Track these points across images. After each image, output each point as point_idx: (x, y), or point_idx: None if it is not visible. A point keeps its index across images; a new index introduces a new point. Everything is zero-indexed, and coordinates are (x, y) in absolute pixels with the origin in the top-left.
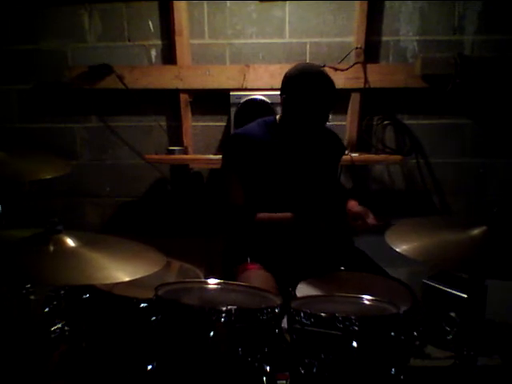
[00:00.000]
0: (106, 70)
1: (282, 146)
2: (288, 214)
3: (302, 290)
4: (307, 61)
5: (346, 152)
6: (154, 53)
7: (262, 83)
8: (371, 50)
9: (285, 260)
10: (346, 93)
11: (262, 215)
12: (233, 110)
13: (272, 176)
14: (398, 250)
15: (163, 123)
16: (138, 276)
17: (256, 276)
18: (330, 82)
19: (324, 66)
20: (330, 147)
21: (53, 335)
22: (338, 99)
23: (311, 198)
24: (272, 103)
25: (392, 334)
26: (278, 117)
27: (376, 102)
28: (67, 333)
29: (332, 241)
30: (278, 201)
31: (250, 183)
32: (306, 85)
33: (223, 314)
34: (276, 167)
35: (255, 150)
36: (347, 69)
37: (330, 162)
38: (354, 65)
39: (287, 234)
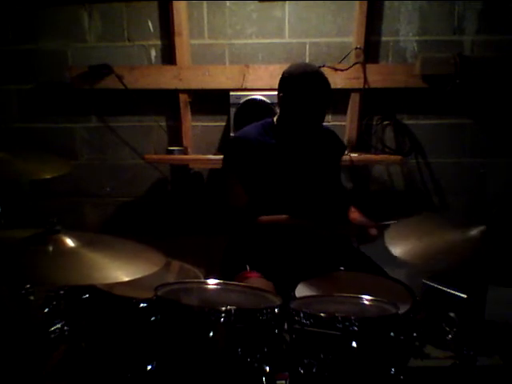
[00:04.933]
0: (105, 70)
1: (281, 146)
2: (289, 217)
3: (302, 290)
4: (307, 61)
5: (346, 152)
6: (153, 53)
7: (262, 83)
8: (371, 50)
9: (284, 268)
10: (345, 93)
11: (263, 218)
12: (232, 110)
13: (272, 177)
14: (397, 255)
15: (163, 123)
16: (137, 276)
17: (256, 284)
18: (325, 80)
19: (324, 66)
20: (329, 147)
21: (52, 335)
22: (338, 99)
23: (312, 198)
24: (272, 103)
25: (392, 334)
26: (275, 118)
27: (376, 102)
28: (67, 333)
29: (331, 241)
30: (279, 202)
31: (251, 185)
32: (301, 83)
33: (223, 315)
34: (275, 168)
35: (254, 152)
36: (347, 69)
37: (329, 161)
38: (353, 65)
39: (287, 237)
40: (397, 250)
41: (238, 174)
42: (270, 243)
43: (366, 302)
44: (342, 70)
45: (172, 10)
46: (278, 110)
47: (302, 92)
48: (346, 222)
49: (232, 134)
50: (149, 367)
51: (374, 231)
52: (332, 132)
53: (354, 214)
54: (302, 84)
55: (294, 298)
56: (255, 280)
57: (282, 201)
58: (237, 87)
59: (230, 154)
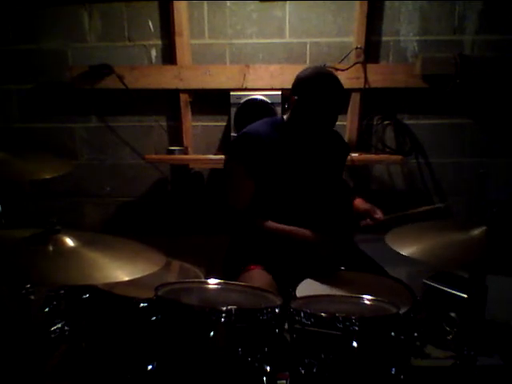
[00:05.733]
0: (106, 69)
1: (291, 145)
2: (303, 230)
3: (302, 289)
4: (307, 61)
5: None
6: (154, 53)
7: (262, 83)
8: (371, 50)
9: (286, 262)
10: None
11: (272, 225)
12: (233, 110)
13: (280, 175)
14: (398, 250)
15: (163, 123)
16: (137, 275)
17: (257, 276)
18: (342, 85)
19: (324, 65)
20: (336, 147)
21: (53, 335)
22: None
23: (318, 198)
24: (272, 103)
25: (392, 334)
26: (285, 117)
27: (376, 102)
28: (67, 333)
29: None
30: (285, 200)
31: (259, 183)
32: (323, 87)
33: (223, 314)
34: (284, 166)
35: (265, 148)
36: (347, 69)
37: (336, 161)
38: (354, 65)
39: (295, 247)
40: (399, 248)
41: (249, 170)
42: (273, 242)
43: (367, 302)
44: (342, 70)
45: (172, 10)
46: (278, 110)
47: (321, 96)
48: (349, 211)
49: (233, 134)
50: (149, 367)
51: (378, 214)
52: (337, 133)
53: (358, 202)
54: (322, 88)
55: (295, 297)
56: (257, 272)
57: (287, 198)
58: (237, 87)
59: (242, 149)
